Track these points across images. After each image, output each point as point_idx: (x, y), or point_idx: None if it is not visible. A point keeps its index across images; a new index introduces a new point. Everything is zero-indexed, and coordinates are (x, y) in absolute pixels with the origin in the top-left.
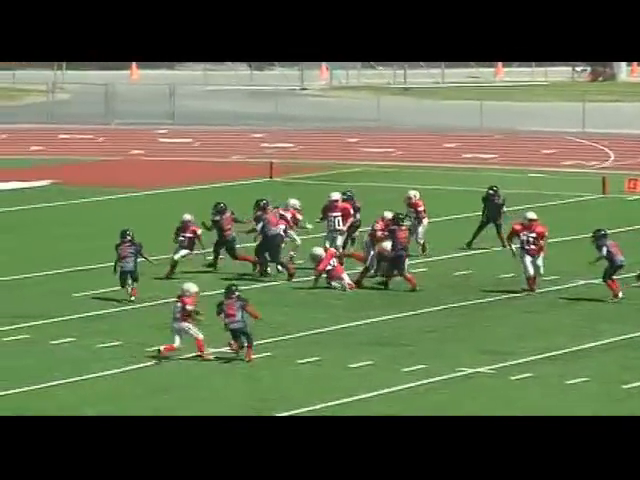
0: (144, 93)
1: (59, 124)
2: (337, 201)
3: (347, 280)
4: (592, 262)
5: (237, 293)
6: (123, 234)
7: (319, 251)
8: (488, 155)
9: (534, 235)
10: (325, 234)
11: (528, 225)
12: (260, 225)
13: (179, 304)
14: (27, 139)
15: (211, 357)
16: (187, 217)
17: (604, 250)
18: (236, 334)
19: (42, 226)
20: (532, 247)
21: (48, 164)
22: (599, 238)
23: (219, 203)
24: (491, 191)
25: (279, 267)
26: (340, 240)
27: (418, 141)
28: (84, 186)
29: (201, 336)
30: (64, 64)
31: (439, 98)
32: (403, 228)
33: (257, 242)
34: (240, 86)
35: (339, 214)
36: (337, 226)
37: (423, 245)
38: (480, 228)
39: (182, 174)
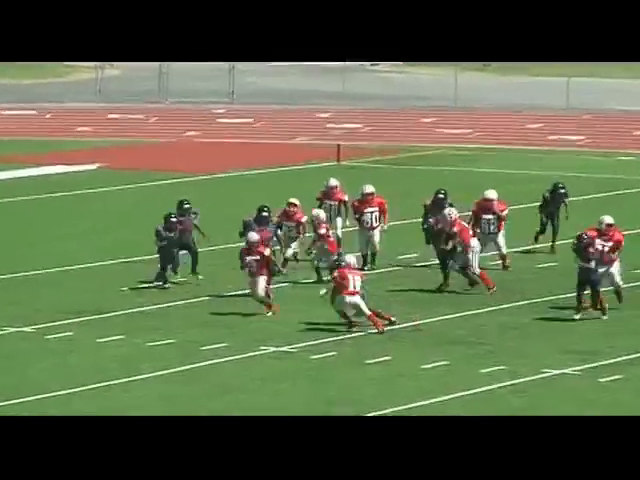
0: (201, 69)
1: (108, 103)
2: (373, 194)
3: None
4: None
5: None
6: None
7: (322, 215)
8: (575, 137)
9: (610, 244)
10: (358, 234)
11: (605, 231)
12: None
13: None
14: (73, 119)
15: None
16: (294, 201)
17: None
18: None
19: (89, 213)
20: (612, 255)
21: (96, 146)
22: None
23: (183, 201)
24: (561, 190)
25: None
26: (378, 237)
27: (499, 121)
28: (135, 170)
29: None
30: None
31: (521, 75)
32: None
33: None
34: (305, 62)
35: (375, 209)
36: (373, 223)
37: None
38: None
39: (242, 157)
